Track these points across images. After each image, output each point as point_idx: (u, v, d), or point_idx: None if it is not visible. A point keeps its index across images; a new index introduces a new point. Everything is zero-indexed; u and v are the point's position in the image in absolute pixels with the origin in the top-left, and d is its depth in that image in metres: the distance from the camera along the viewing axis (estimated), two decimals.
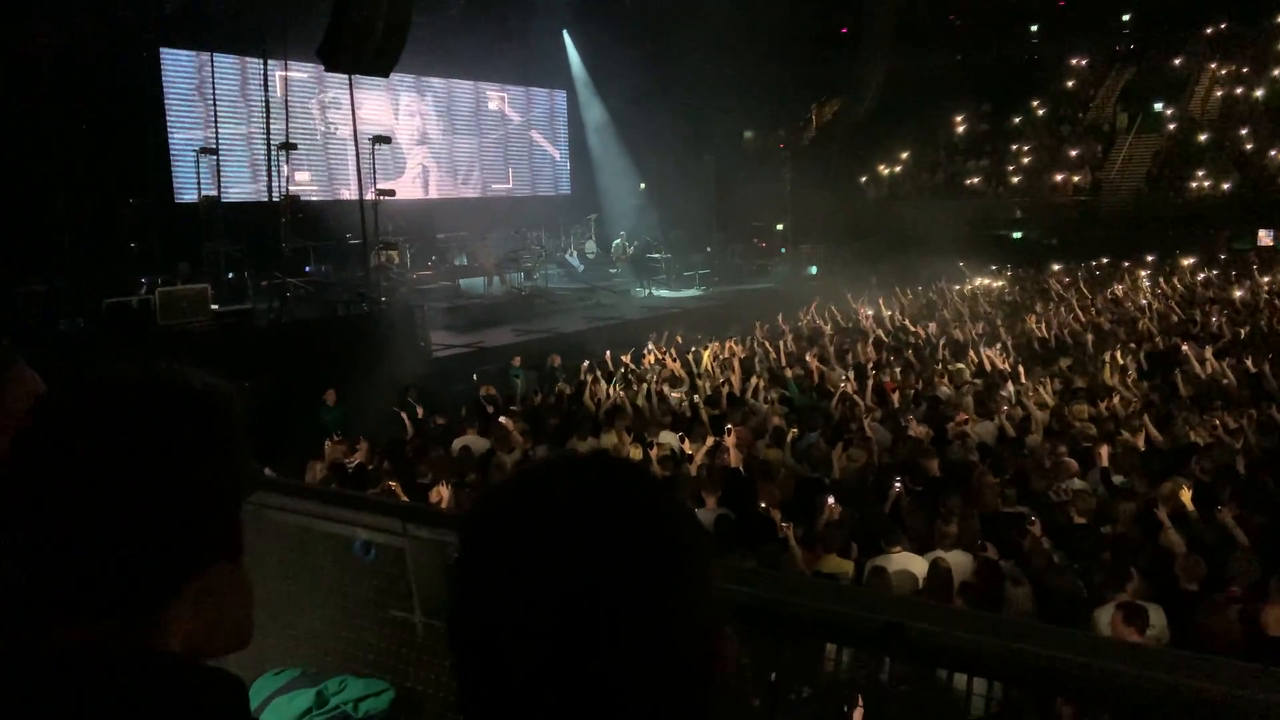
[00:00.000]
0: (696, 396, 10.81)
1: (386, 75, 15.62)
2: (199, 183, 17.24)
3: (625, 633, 0.74)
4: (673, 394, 11.09)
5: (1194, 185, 28.29)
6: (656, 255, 24.07)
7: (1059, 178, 30.32)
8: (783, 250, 26.74)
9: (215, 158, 16.97)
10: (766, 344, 14.04)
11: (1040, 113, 33.70)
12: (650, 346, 13.99)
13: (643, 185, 27.97)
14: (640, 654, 0.74)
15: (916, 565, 6.05)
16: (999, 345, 12.99)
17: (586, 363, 12.45)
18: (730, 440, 8.43)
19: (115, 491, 0.92)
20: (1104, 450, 7.85)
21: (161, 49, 18.65)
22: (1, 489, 0.95)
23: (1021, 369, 11.39)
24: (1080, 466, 7.77)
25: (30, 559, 0.93)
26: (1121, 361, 11.52)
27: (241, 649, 1.03)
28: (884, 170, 33.20)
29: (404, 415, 10.54)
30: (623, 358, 13.02)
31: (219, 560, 0.99)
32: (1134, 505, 6.64)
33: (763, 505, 6.92)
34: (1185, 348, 11.92)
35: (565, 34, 26.55)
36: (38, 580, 0.93)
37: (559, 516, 0.77)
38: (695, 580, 0.80)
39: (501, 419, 9.52)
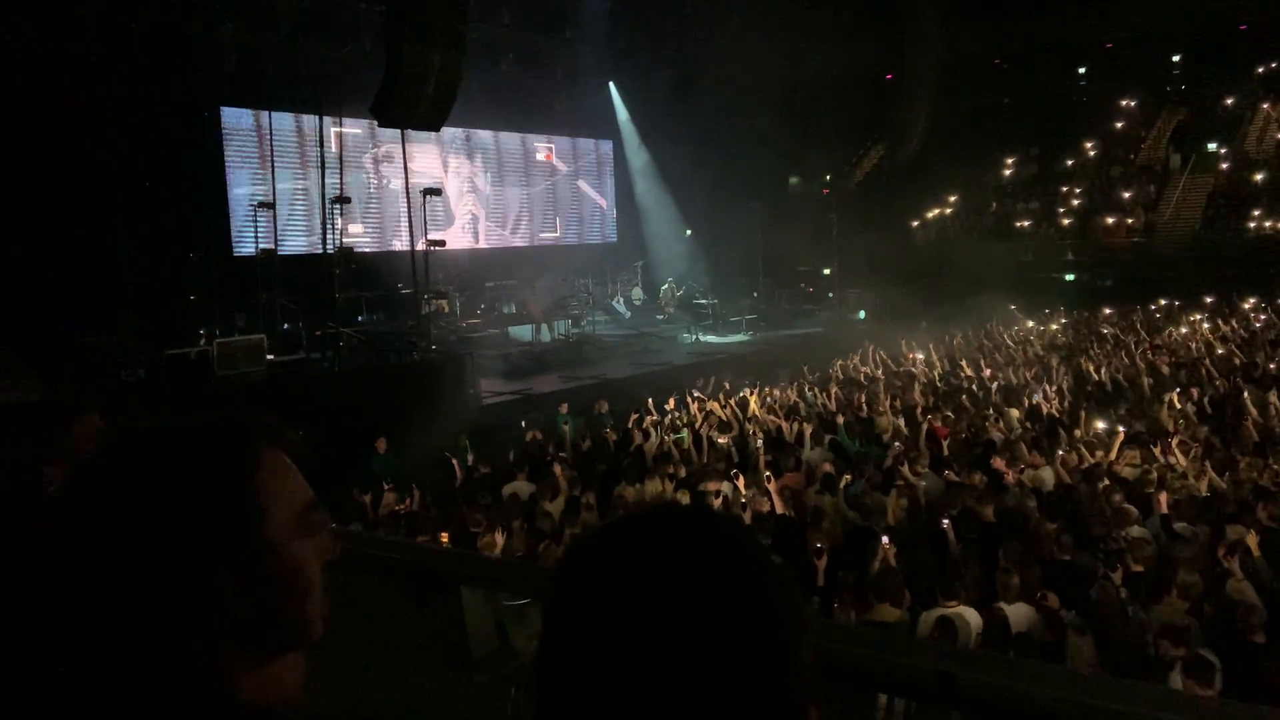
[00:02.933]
0: (745, 443, 10.77)
1: (438, 129, 15.99)
2: (256, 236, 17.71)
3: (723, 695, 0.73)
4: (721, 440, 11.05)
5: (1251, 225, 27.78)
6: (703, 301, 24.16)
7: (1111, 219, 29.95)
8: (830, 295, 26.69)
9: (272, 212, 17.44)
10: (816, 389, 13.96)
11: (1091, 154, 33.42)
12: (696, 393, 13.97)
13: (689, 232, 28.15)
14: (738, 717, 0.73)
15: (972, 616, 5.92)
16: (1053, 389, 12.77)
17: (636, 415, 12.46)
18: (772, 486, 8.37)
19: (175, 536, 0.95)
20: (1163, 497, 7.65)
21: (221, 107, 19.28)
22: (66, 529, 0.98)
23: (1078, 413, 11.18)
24: (1139, 513, 7.58)
25: (95, 601, 0.96)
26: (1180, 406, 11.26)
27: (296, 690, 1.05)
28: (932, 213, 33.06)
29: (454, 461, 10.63)
30: (667, 405, 13.04)
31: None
32: (1193, 553, 6.45)
33: (818, 545, 6.83)
34: (1246, 392, 11.61)
35: (611, 85, 27.00)
36: (91, 615, 0.96)
37: (663, 571, 0.76)
38: (798, 651, 0.79)
39: (555, 466, 9.55)
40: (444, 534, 7.37)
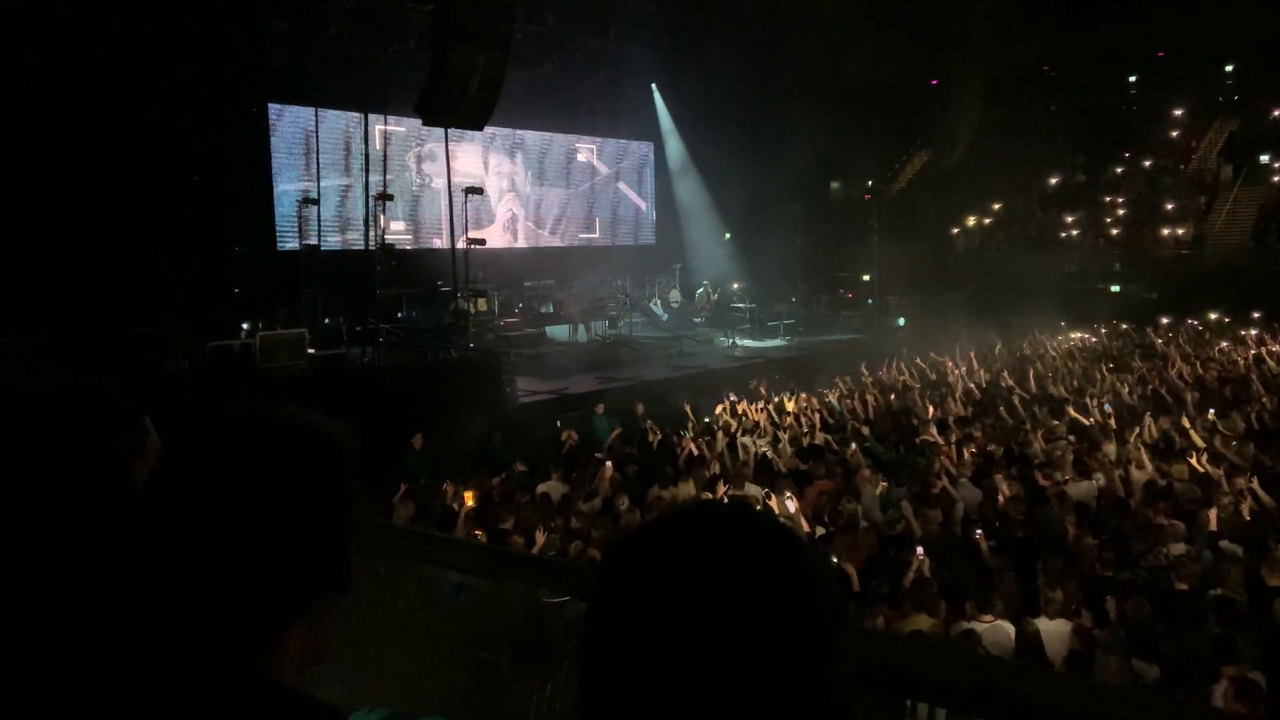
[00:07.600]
0: (780, 448, 10.72)
1: (481, 129, 16.11)
2: (300, 231, 17.89)
3: (765, 692, 0.72)
4: (756, 445, 10.99)
5: None
6: (741, 305, 24.07)
7: (1159, 231, 29.45)
8: (869, 301, 26.49)
9: (316, 208, 17.62)
10: (853, 396, 13.87)
11: (1140, 164, 32.86)
12: (733, 397, 13.92)
13: (728, 235, 28.08)
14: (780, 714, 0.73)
15: (1009, 630, 5.85)
16: (1096, 402, 12.57)
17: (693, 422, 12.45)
18: (796, 504, 8.31)
19: (243, 528, 0.96)
20: (1211, 514, 7.50)
21: (269, 103, 19.52)
22: (134, 528, 1.00)
23: (1120, 426, 11.00)
24: (1184, 530, 7.43)
25: (162, 593, 0.98)
26: (1227, 421, 11.04)
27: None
28: (975, 221, 32.68)
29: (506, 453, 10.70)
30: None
31: (332, 591, 1.03)
32: (1241, 571, 6.32)
33: (835, 560, 6.78)
34: None
35: (654, 87, 27.01)
36: (169, 613, 0.97)
37: (703, 568, 0.75)
38: (840, 649, 0.78)
39: (605, 466, 9.56)
40: (479, 531, 7.40)
